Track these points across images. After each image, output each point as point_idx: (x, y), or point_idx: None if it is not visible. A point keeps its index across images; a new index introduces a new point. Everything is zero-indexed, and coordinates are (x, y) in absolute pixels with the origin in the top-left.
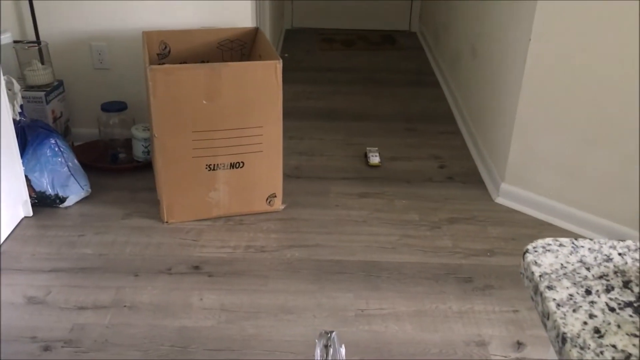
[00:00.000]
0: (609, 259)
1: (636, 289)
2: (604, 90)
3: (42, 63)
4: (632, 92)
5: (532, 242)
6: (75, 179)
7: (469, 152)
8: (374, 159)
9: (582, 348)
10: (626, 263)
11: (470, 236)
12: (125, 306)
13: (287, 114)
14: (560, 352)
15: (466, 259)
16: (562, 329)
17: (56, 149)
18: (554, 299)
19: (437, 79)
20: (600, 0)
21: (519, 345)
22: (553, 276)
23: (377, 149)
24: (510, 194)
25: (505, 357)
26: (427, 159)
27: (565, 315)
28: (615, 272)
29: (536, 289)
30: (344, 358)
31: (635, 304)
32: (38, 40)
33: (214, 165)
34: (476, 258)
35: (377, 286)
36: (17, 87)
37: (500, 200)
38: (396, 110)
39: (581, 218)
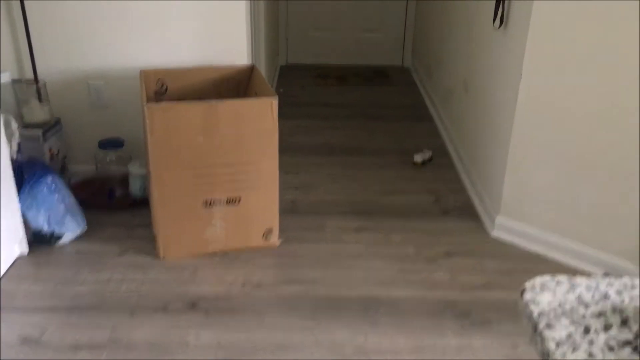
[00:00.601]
0: (606, 297)
1: (634, 327)
2: (596, 123)
3: (40, 101)
4: (624, 123)
5: (529, 276)
6: (72, 217)
7: (463, 185)
8: (417, 157)
9: None
10: (623, 301)
11: (467, 270)
12: (121, 345)
13: (283, 148)
14: None
15: (463, 293)
16: None
17: (53, 186)
18: (553, 338)
19: (430, 113)
20: (590, 36)
21: None
22: (551, 315)
23: (430, 151)
24: (505, 227)
25: None
26: (422, 192)
27: (564, 354)
28: (613, 310)
29: (535, 328)
30: None
31: (633, 343)
32: (36, 79)
33: (211, 201)
34: (473, 292)
35: (375, 321)
36: (14, 125)
37: (495, 233)
38: (390, 145)
39: (577, 250)
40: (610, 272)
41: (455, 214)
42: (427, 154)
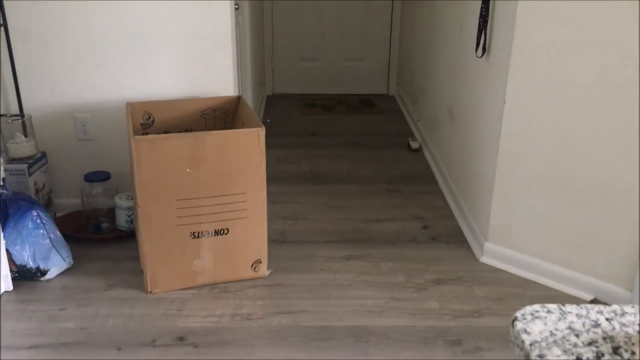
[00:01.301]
0: (597, 325)
1: (626, 355)
2: (582, 149)
3: (26, 135)
4: (610, 149)
5: (519, 302)
6: (57, 251)
7: (451, 212)
8: (414, 144)
9: None
10: (614, 328)
11: (457, 297)
12: None
13: (270, 178)
14: None
15: (454, 321)
16: None
17: (38, 221)
18: None
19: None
20: (571, 62)
21: None
22: (543, 344)
23: (416, 139)
24: (494, 253)
25: None
26: (410, 219)
27: None
28: (604, 338)
29: (527, 358)
30: None
31: None
32: (21, 113)
33: (198, 232)
34: (464, 319)
35: (366, 352)
36: None
37: (484, 259)
38: (378, 173)
39: (566, 276)
40: (599, 298)
41: (444, 240)
42: (417, 141)
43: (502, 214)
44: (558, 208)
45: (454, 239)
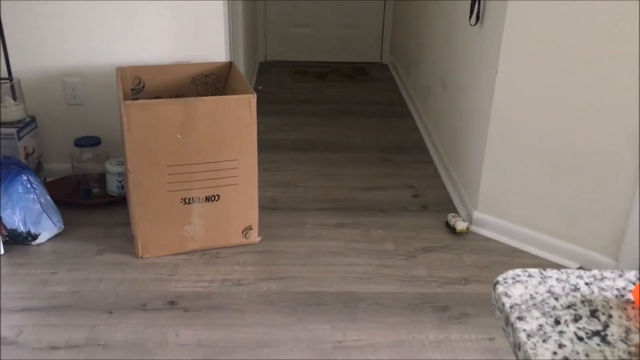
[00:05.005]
0: (576, 289)
1: (603, 318)
2: (572, 119)
3: (14, 99)
4: (600, 119)
5: (506, 270)
6: (48, 216)
7: (442, 181)
8: (461, 224)
9: None
10: (592, 292)
11: (445, 265)
12: (99, 345)
13: (262, 146)
14: None
15: (442, 288)
16: (533, 359)
17: (28, 185)
18: (525, 330)
19: (409, 110)
20: (565, 31)
21: None
22: (523, 307)
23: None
24: (483, 222)
25: None
26: (401, 188)
27: (535, 345)
28: (582, 302)
29: (507, 320)
30: None
31: (602, 333)
32: (10, 77)
33: (189, 199)
34: (452, 286)
35: (355, 317)
36: None
37: (473, 228)
38: (370, 141)
39: (554, 245)
40: (585, 266)
41: (434, 209)
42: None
43: (492, 183)
44: (547, 177)
45: (444, 207)
